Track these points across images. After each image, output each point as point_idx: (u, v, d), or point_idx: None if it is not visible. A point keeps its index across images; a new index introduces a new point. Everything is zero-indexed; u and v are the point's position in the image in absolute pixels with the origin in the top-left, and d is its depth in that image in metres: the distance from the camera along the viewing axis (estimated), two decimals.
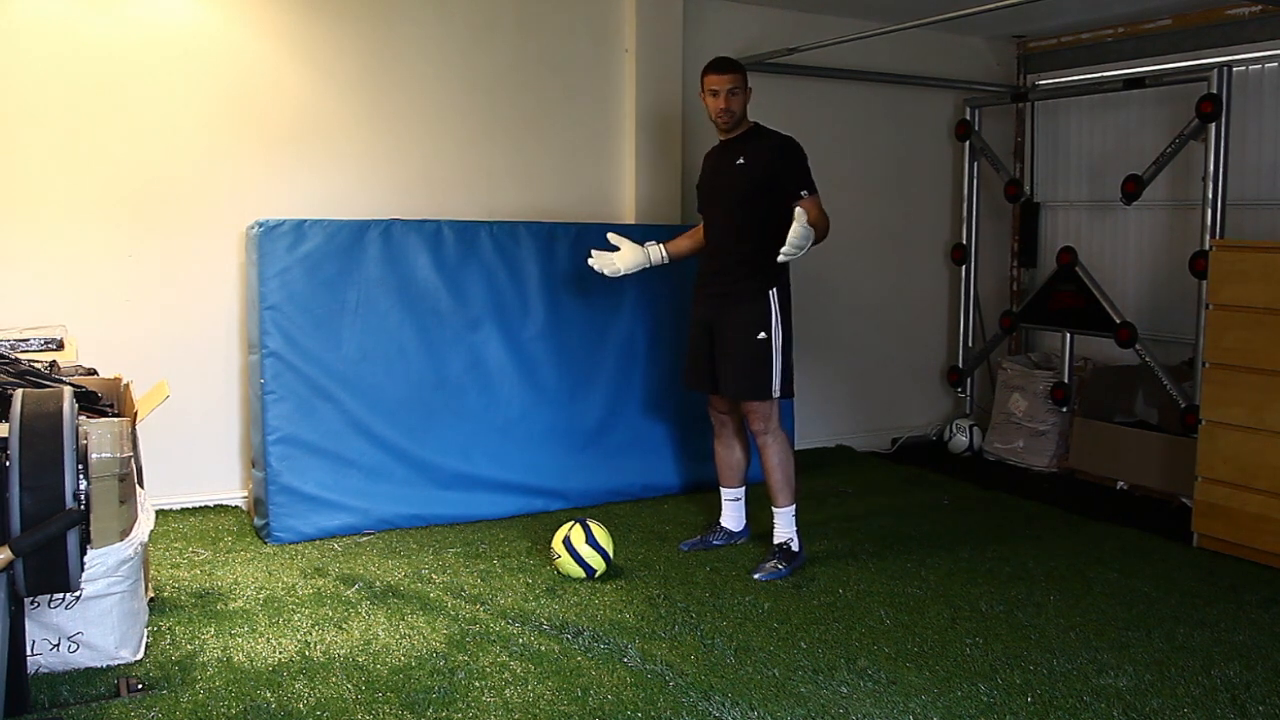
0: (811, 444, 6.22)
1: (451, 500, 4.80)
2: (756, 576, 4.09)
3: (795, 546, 4.21)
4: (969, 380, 6.73)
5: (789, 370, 4.21)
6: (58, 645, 3.15)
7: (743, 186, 4.15)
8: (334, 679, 3.15)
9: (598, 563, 4.01)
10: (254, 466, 4.70)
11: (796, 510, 4.24)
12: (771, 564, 4.15)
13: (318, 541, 4.49)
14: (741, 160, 4.16)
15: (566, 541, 4.02)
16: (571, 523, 4.07)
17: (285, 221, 4.54)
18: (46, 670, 3.14)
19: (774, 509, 4.23)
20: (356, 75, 5.01)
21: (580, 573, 4.02)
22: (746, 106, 4.21)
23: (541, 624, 3.59)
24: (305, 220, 4.59)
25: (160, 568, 4.08)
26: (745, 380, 4.16)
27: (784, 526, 4.22)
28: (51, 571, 2.48)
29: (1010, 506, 5.25)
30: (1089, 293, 5.87)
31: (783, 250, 3.87)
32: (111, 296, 4.65)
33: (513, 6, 5.33)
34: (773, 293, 4.17)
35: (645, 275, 5.28)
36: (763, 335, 4.13)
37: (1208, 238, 5.28)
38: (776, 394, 4.16)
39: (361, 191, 5.04)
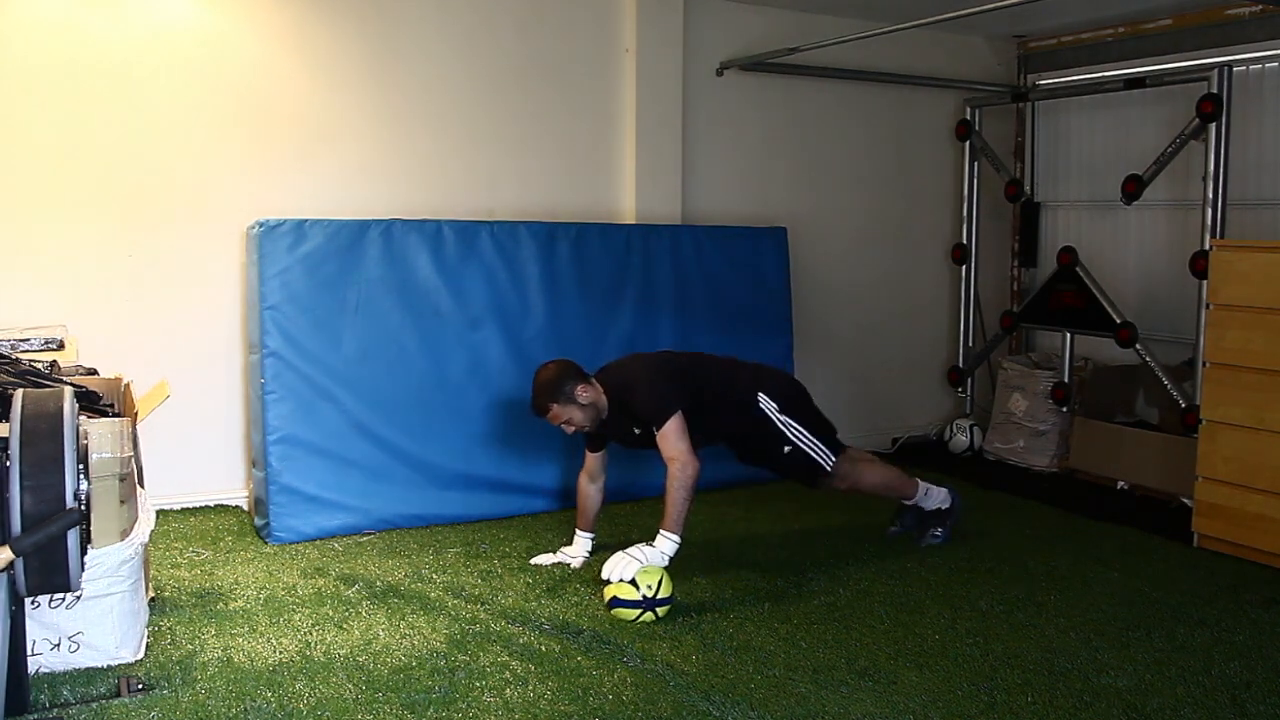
0: None
1: (451, 500, 4.80)
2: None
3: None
4: (969, 380, 6.73)
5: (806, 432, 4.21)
6: (58, 645, 3.15)
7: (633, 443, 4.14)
8: (334, 679, 3.15)
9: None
10: (254, 466, 4.70)
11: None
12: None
13: (318, 541, 4.49)
14: (637, 430, 4.07)
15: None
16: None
17: (285, 221, 4.55)
18: (47, 670, 3.14)
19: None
20: (357, 75, 5.01)
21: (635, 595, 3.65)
22: (588, 403, 3.98)
23: (542, 624, 3.59)
24: (305, 220, 4.59)
25: (160, 568, 4.08)
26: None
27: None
28: (52, 571, 2.47)
29: (1010, 506, 5.25)
30: (1089, 293, 5.87)
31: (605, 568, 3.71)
32: (111, 296, 4.66)
33: (513, 6, 5.33)
34: (761, 401, 4.17)
35: (645, 276, 5.31)
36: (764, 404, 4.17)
37: (1208, 238, 5.28)
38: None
39: (361, 191, 5.04)
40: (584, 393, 3.99)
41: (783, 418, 4.18)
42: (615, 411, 4.06)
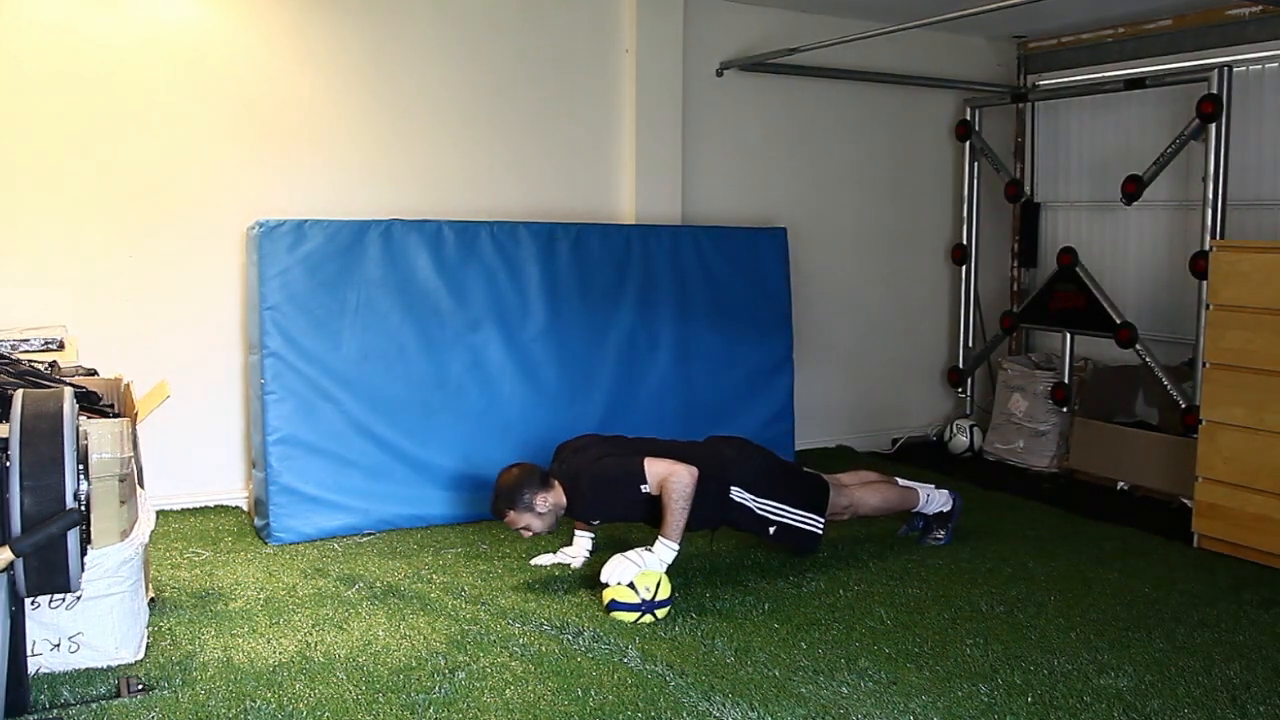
0: (812, 444, 6.21)
1: (451, 500, 4.80)
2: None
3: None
4: (969, 380, 6.73)
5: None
6: (58, 645, 3.15)
7: (637, 516, 3.98)
8: (334, 679, 3.15)
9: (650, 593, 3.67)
10: (254, 466, 4.70)
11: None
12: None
13: (318, 542, 4.49)
14: (595, 522, 4.07)
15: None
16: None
17: (285, 221, 4.55)
18: (47, 670, 3.14)
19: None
20: (357, 75, 5.02)
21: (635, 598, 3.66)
22: (546, 510, 3.90)
23: (542, 624, 3.59)
24: (305, 220, 4.59)
25: (160, 568, 4.08)
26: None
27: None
28: (52, 572, 2.48)
29: (1010, 506, 5.25)
30: (1089, 293, 5.87)
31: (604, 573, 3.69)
32: (111, 296, 4.66)
33: (513, 7, 5.33)
34: (736, 496, 4.03)
35: (645, 276, 5.31)
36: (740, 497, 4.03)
37: (1208, 238, 5.28)
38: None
39: (361, 191, 5.05)
40: (543, 501, 3.90)
41: (760, 502, 4.03)
42: (574, 503, 3.96)
